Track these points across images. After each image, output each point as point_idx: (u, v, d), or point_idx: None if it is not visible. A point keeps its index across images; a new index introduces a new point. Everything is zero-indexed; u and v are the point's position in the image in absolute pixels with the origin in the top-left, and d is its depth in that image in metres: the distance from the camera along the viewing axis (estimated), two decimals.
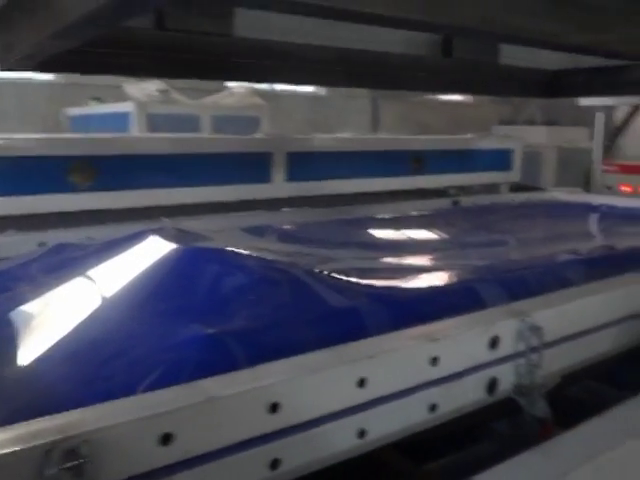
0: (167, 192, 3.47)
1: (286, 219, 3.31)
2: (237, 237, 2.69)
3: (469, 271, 2.15)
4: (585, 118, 9.16)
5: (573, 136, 10.51)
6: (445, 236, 3.12)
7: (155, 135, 5.90)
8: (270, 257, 2.05)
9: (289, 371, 1.24)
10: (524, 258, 2.52)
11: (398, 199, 4.13)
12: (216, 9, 2.52)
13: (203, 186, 3.62)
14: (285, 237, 2.89)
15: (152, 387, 1.19)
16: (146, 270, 1.81)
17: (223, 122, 7.75)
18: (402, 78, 3.47)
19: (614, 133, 9.02)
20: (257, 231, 2.88)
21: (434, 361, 1.41)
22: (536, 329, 1.59)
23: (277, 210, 3.58)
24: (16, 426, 0.98)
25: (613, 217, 3.71)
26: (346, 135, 5.45)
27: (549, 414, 1.57)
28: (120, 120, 7.47)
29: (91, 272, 1.88)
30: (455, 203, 4.19)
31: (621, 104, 8.00)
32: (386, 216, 3.56)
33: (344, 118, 11.66)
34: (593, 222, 3.78)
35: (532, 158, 8.38)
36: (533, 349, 1.59)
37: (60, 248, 2.30)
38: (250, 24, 2.64)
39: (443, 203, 4.15)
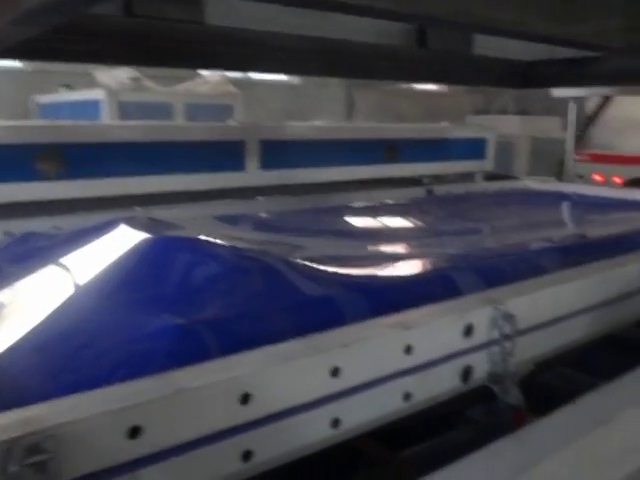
0: (139, 180, 3.42)
1: (260, 207, 3.28)
2: (210, 226, 2.65)
3: (444, 259, 2.15)
4: (557, 108, 9.23)
5: (546, 126, 10.60)
6: (420, 224, 3.12)
7: (126, 122, 5.82)
8: (243, 246, 2.02)
9: (261, 361, 1.22)
10: (498, 246, 2.52)
11: (373, 188, 4.12)
12: None
13: (176, 174, 3.57)
14: (259, 226, 2.86)
15: (122, 379, 1.16)
16: (116, 260, 1.77)
17: (196, 110, 7.68)
18: (377, 68, 3.46)
19: (585, 123, 9.11)
20: (231, 220, 2.85)
21: (408, 349, 1.40)
22: (509, 317, 1.59)
23: (251, 199, 3.55)
24: None
25: (584, 205, 3.75)
26: (320, 123, 5.42)
27: (522, 402, 1.57)
28: (91, 108, 7.35)
29: (60, 262, 1.84)
30: (429, 192, 4.20)
31: (593, 95, 8.08)
32: (361, 205, 3.55)
33: (318, 106, 11.62)
34: (565, 210, 3.83)
35: (505, 147, 8.45)
36: (507, 337, 1.59)
37: (27, 237, 2.25)
38: (222, 12, 2.59)
39: (417, 192, 4.15)
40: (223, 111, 7.81)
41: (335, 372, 1.27)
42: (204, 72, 8.51)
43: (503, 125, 8.87)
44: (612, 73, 3.67)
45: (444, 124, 5.29)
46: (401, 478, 1.69)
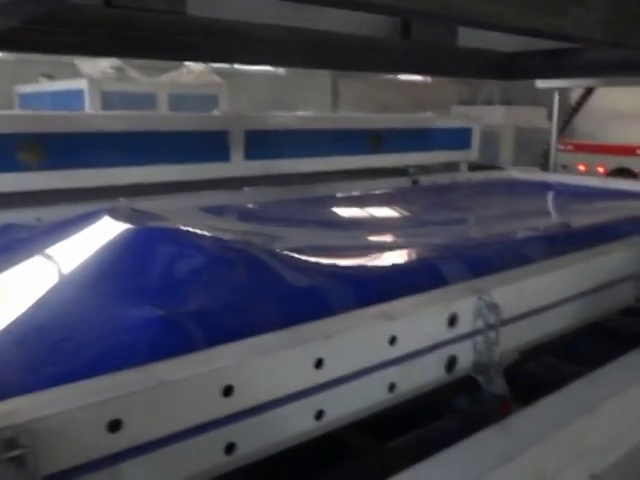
0: (122, 171, 3.38)
1: (246, 198, 3.26)
2: (195, 217, 2.63)
3: (429, 249, 2.15)
4: (543, 98, 9.26)
5: (530, 116, 10.65)
6: (405, 214, 3.12)
7: (109, 112, 5.75)
8: (227, 236, 2.00)
9: (243, 353, 1.20)
10: (483, 236, 2.52)
11: (358, 178, 4.11)
12: None
13: (160, 165, 3.53)
14: (244, 216, 2.84)
15: (103, 372, 1.14)
16: (98, 251, 1.75)
17: (180, 100, 7.63)
18: (361, 59, 3.44)
19: (569, 114, 9.15)
20: (216, 210, 2.83)
21: (392, 340, 1.39)
22: (494, 306, 1.58)
23: (237, 189, 3.52)
24: None
25: (568, 195, 3.77)
26: (305, 113, 5.39)
27: (507, 391, 1.57)
28: (73, 98, 7.27)
29: (41, 253, 1.82)
30: (414, 182, 4.20)
31: (576, 86, 8.11)
32: (346, 195, 3.54)
33: (304, 96, 11.59)
34: (549, 200, 3.84)
35: (490, 137, 8.48)
36: (491, 327, 1.59)
37: (8, 229, 2.21)
38: (204, 3, 2.56)
39: (403, 182, 4.15)
40: (208, 101, 7.76)
41: (319, 363, 1.26)
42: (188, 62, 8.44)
43: (488, 115, 8.89)
44: (592, 65, 3.70)
45: (429, 114, 5.28)
46: (387, 468, 1.69)
